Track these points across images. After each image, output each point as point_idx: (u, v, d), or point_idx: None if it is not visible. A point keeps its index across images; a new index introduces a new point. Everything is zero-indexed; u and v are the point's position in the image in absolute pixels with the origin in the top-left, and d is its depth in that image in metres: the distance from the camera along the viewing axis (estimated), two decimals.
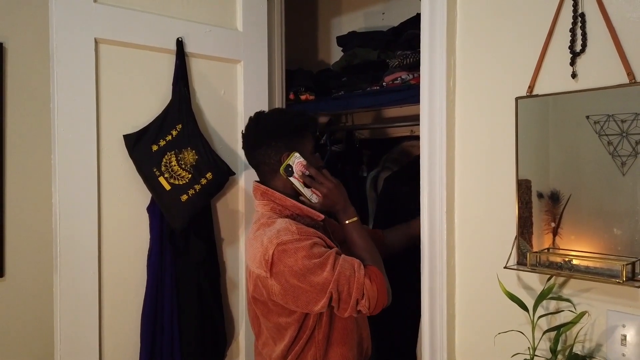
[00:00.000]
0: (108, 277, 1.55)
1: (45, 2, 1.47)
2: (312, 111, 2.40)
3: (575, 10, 1.10)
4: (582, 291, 1.12)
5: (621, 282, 0.99)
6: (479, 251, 1.30)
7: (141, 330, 1.59)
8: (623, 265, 0.99)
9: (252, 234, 1.42)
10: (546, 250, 1.14)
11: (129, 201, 1.59)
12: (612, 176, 1.04)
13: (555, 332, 1.09)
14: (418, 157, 1.40)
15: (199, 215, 1.63)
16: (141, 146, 1.56)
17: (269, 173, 1.45)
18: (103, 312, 1.54)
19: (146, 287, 1.59)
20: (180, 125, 1.60)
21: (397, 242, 1.69)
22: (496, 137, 1.25)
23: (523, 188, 1.18)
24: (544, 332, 1.12)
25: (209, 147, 1.65)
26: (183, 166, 1.58)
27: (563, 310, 1.14)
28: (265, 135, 1.44)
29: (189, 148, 1.60)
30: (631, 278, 1.00)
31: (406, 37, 2.04)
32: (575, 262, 1.08)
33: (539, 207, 1.16)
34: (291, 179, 1.42)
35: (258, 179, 1.51)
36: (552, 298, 1.14)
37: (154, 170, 1.55)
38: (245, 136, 1.50)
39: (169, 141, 1.59)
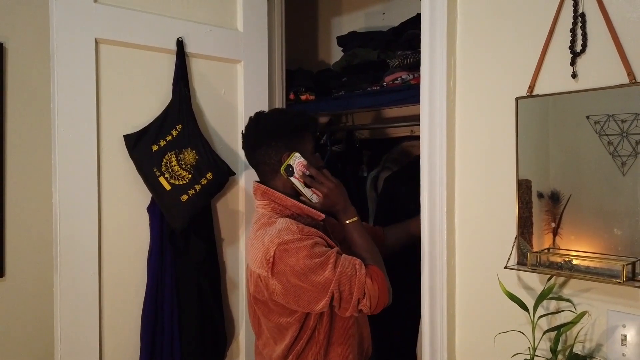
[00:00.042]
0: (108, 277, 1.55)
1: (45, 2, 1.47)
2: (313, 111, 2.40)
3: (575, 10, 1.10)
4: (583, 291, 1.12)
5: (621, 282, 0.99)
6: (479, 251, 1.30)
7: (141, 330, 1.58)
8: (623, 265, 0.99)
9: (252, 233, 1.42)
10: (546, 250, 1.14)
11: (129, 201, 1.59)
12: (613, 176, 1.04)
13: (556, 332, 1.09)
14: (418, 157, 1.40)
15: (199, 215, 1.63)
16: (141, 146, 1.56)
17: (269, 173, 1.45)
18: (103, 312, 1.54)
19: (146, 287, 1.59)
20: (180, 125, 1.60)
21: (398, 240, 1.69)
22: (496, 137, 1.25)
23: (523, 188, 1.18)
24: (544, 332, 1.12)
25: (209, 147, 1.65)
26: (183, 166, 1.58)
27: (563, 310, 1.14)
28: (265, 135, 1.44)
29: (189, 148, 1.60)
30: (631, 278, 1.00)
31: (406, 37, 2.04)
32: (575, 262, 1.08)
33: (539, 207, 1.16)
34: (292, 178, 1.42)
35: (258, 179, 1.51)
36: (552, 298, 1.14)
37: (154, 170, 1.55)
38: (245, 136, 1.50)
39: (169, 141, 1.59)
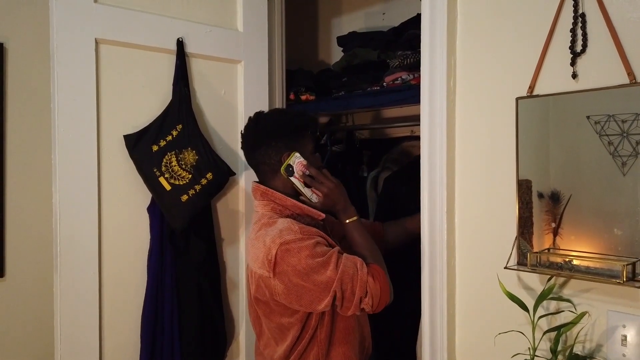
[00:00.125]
0: (108, 277, 1.55)
1: (45, 2, 1.47)
2: (313, 111, 2.40)
3: (575, 10, 1.10)
4: (583, 291, 1.12)
5: (621, 282, 0.99)
6: (479, 251, 1.30)
7: (141, 330, 1.58)
8: (623, 265, 0.99)
9: (253, 234, 1.42)
10: (546, 251, 1.14)
11: (129, 201, 1.59)
12: (613, 176, 1.04)
13: (556, 332, 1.09)
14: (418, 157, 1.40)
15: (199, 216, 1.63)
16: (141, 146, 1.56)
17: (269, 173, 1.45)
18: (103, 312, 1.54)
19: (146, 287, 1.59)
20: (180, 126, 1.60)
21: (397, 236, 1.69)
22: (496, 137, 1.25)
23: (523, 188, 1.18)
24: (544, 333, 1.12)
25: (209, 147, 1.65)
26: (183, 166, 1.58)
27: (563, 311, 1.14)
28: (265, 136, 1.44)
29: (189, 148, 1.60)
30: (631, 278, 1.00)
31: (406, 37, 2.04)
32: (575, 262, 1.08)
33: (540, 207, 1.15)
34: (292, 178, 1.42)
35: (257, 179, 1.51)
36: (552, 298, 1.14)
37: (155, 170, 1.55)
38: (244, 136, 1.50)
39: (170, 141, 1.59)
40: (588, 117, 1.07)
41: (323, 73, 2.45)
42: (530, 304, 1.12)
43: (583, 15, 1.09)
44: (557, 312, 1.15)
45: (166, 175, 1.55)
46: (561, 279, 1.15)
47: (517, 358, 1.16)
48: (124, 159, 1.56)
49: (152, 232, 1.61)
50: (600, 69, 1.07)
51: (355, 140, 2.42)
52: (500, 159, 1.24)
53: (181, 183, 1.56)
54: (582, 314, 1.09)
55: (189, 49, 1.67)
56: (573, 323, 1.08)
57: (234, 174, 1.71)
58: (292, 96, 2.31)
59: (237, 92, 1.82)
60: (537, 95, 1.16)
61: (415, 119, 1.50)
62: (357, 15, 2.60)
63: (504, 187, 1.23)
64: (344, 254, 1.33)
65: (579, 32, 1.10)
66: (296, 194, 1.45)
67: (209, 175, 1.60)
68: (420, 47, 1.38)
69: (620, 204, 1.04)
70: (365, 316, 1.51)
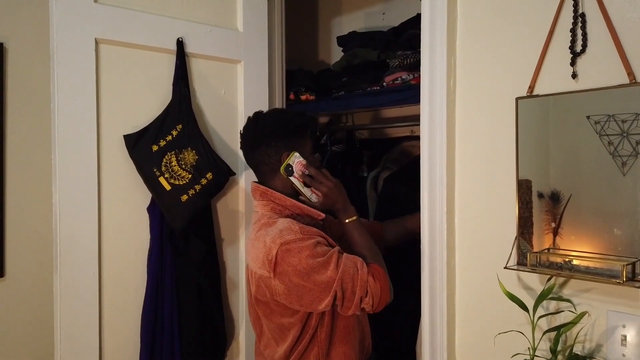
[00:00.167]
0: (108, 277, 1.55)
1: (45, 2, 1.47)
2: (313, 111, 2.40)
3: (575, 10, 1.10)
4: (583, 291, 1.12)
5: (621, 282, 0.99)
6: (479, 251, 1.30)
7: (141, 330, 1.58)
8: (623, 265, 0.99)
9: (253, 234, 1.42)
10: (546, 251, 1.14)
11: (129, 201, 1.59)
12: (613, 176, 1.04)
13: (556, 332, 1.09)
14: (418, 157, 1.40)
15: (199, 216, 1.63)
16: (141, 146, 1.56)
17: (268, 173, 1.45)
18: (103, 312, 1.54)
19: (146, 287, 1.59)
20: (180, 126, 1.60)
21: (396, 235, 1.70)
22: (496, 137, 1.25)
23: (523, 188, 1.18)
24: (544, 333, 1.12)
25: (209, 147, 1.65)
26: (183, 166, 1.58)
27: (563, 311, 1.14)
28: (265, 135, 1.44)
29: (189, 148, 1.60)
30: (631, 278, 1.00)
31: (406, 37, 2.04)
32: (575, 262, 1.08)
33: (540, 207, 1.15)
34: (291, 178, 1.42)
35: (256, 179, 1.51)
36: (552, 298, 1.14)
37: (154, 170, 1.55)
38: (243, 136, 1.50)
39: (169, 141, 1.59)
40: (588, 117, 1.07)
41: (323, 73, 2.45)
42: (530, 304, 1.12)
43: (583, 15, 1.09)
44: (557, 312, 1.15)
45: (166, 175, 1.55)
46: (561, 279, 1.15)
47: (517, 358, 1.16)
48: (124, 159, 1.56)
49: (152, 232, 1.61)
50: (600, 69, 1.07)
51: (355, 140, 2.43)
52: (500, 159, 1.24)
53: (181, 183, 1.56)
54: (582, 314, 1.09)
55: (189, 49, 1.67)
56: (573, 323, 1.08)
57: (234, 173, 1.71)
58: (292, 96, 2.31)
59: (237, 92, 1.82)
60: (537, 95, 1.16)
61: (415, 119, 1.50)
62: (357, 15, 2.60)
63: (503, 187, 1.23)
64: (344, 254, 1.33)
65: (579, 32, 1.10)
66: (296, 194, 1.45)
67: (209, 175, 1.60)
68: (420, 47, 1.38)
69: (620, 204, 1.04)
70: (365, 315, 1.51)
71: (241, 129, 1.53)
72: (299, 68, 2.45)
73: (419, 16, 1.41)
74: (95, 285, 1.51)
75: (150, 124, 1.59)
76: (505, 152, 1.22)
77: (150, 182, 1.55)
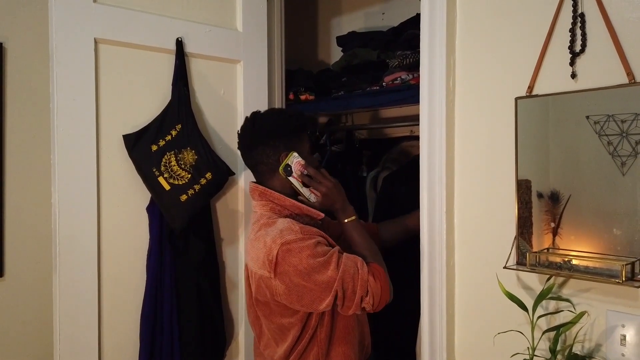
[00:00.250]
0: (107, 277, 1.55)
1: (44, 2, 1.47)
2: (312, 111, 2.41)
3: (575, 10, 1.10)
4: (582, 291, 1.12)
5: (621, 282, 0.99)
6: (478, 251, 1.30)
7: (140, 330, 1.58)
8: (622, 265, 0.99)
9: (252, 234, 1.42)
10: (546, 250, 1.14)
11: (129, 201, 1.59)
12: (612, 176, 1.04)
13: (555, 332, 1.09)
14: (418, 157, 1.40)
15: (199, 215, 1.63)
16: (141, 146, 1.56)
17: (267, 173, 1.45)
18: (102, 312, 1.54)
19: (146, 287, 1.59)
20: (179, 125, 1.60)
21: (392, 235, 1.69)
22: (496, 137, 1.25)
23: (523, 188, 1.18)
24: (544, 332, 1.12)
25: (208, 147, 1.65)
26: (182, 166, 1.58)
27: (562, 310, 1.14)
28: (263, 135, 1.44)
29: (188, 148, 1.60)
30: (631, 278, 1.00)
31: (406, 37, 2.04)
32: (574, 262, 1.08)
33: (539, 207, 1.16)
34: (290, 178, 1.42)
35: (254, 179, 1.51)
36: (551, 298, 1.14)
37: (154, 170, 1.55)
38: (241, 136, 1.50)
39: (169, 141, 1.58)
40: (587, 117, 1.07)
41: (323, 73, 2.45)
42: (529, 303, 1.12)
43: (582, 15, 1.09)
44: (557, 311, 1.15)
45: (165, 175, 1.55)
46: (560, 279, 1.15)
47: (517, 358, 1.16)
48: (123, 159, 1.56)
49: (151, 232, 1.61)
50: (600, 68, 1.07)
51: (355, 140, 2.43)
52: (499, 158, 1.24)
53: (180, 183, 1.56)
54: (581, 314, 1.09)
55: (189, 48, 1.67)
56: (572, 323, 1.08)
57: (233, 173, 1.71)
58: (291, 96, 2.31)
59: (237, 92, 1.82)
60: (537, 95, 1.16)
61: (415, 119, 1.50)
62: (357, 15, 2.60)
63: (503, 187, 1.23)
64: (345, 254, 1.33)
65: (578, 32, 1.10)
66: (294, 194, 1.45)
67: (208, 175, 1.60)
68: (419, 47, 1.38)
69: (620, 204, 1.04)
70: (364, 315, 1.51)
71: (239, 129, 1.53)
72: (299, 68, 2.45)
73: (418, 16, 1.41)
74: (95, 285, 1.51)
75: (150, 123, 1.59)
76: (504, 152, 1.22)
77: (150, 182, 1.55)
